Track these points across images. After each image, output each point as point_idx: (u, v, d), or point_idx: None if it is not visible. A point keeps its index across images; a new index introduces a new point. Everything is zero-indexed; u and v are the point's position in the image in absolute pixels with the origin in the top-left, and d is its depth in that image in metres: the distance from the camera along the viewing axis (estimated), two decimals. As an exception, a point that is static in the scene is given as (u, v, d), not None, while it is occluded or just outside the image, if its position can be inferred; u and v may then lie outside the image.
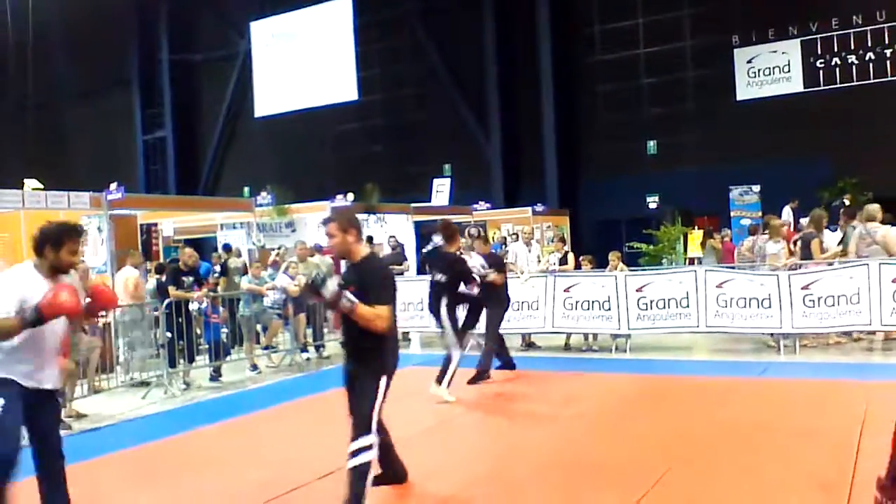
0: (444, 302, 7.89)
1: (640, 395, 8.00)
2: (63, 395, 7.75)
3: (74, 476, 6.03)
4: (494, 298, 8.87)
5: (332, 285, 4.40)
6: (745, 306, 9.95)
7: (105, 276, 10.65)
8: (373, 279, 4.64)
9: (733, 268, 11.37)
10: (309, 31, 27.41)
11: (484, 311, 8.80)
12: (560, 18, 22.77)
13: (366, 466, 4.46)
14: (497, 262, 9.26)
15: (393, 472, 5.13)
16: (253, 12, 28.28)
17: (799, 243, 11.34)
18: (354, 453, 4.46)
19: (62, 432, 7.48)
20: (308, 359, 11.40)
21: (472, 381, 8.52)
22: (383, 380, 4.62)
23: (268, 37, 28.28)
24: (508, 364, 9.29)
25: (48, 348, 4.41)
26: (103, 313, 5.24)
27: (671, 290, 10.34)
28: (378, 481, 4.86)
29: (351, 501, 4.40)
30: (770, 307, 9.77)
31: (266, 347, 11.30)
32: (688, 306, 10.22)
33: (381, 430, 4.80)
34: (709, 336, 10.91)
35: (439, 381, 7.82)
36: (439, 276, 7.99)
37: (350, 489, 4.42)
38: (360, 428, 4.51)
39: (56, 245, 4.23)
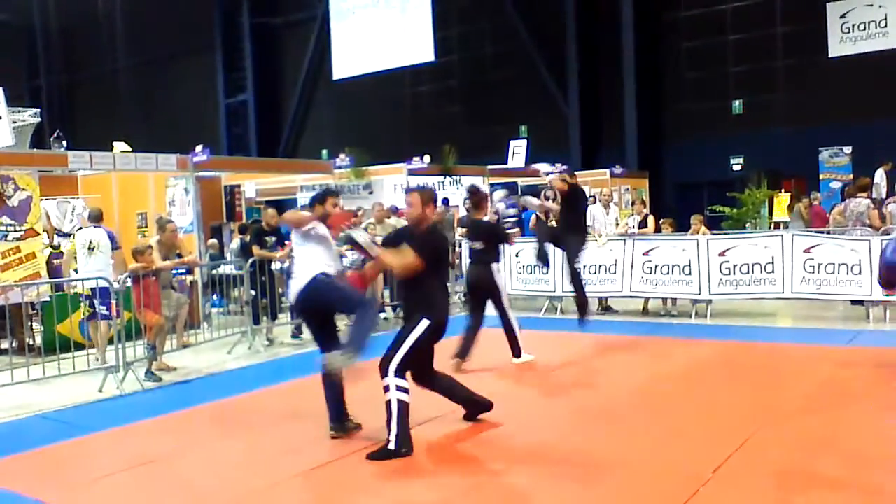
0: (494, 269, 7.80)
1: (722, 362, 7.85)
2: (154, 349, 8.11)
3: (165, 425, 6.34)
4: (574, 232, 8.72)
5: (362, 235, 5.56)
6: (833, 272, 9.62)
7: (192, 235, 10.98)
8: (424, 238, 5.39)
9: (822, 232, 10.97)
10: (386, -9, 27.33)
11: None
12: (642, -26, 22.07)
13: (398, 405, 5.06)
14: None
15: (471, 411, 5.83)
16: (331, -27, 28.34)
17: (890, 207, 10.88)
18: (385, 389, 5.13)
19: (153, 384, 7.86)
20: (385, 318, 11.56)
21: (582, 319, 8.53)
22: (424, 322, 5.22)
23: (345, -1, 28.34)
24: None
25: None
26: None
27: (756, 254, 10.06)
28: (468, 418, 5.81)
29: (388, 432, 5.03)
30: (860, 273, 9.41)
31: (345, 307, 11.49)
32: (773, 271, 9.93)
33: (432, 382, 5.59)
34: (794, 303, 10.59)
35: (517, 353, 7.87)
36: (478, 245, 7.86)
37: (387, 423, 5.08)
38: (380, 369, 5.17)
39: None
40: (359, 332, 5.22)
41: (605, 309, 11.50)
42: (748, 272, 10.08)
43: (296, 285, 5.47)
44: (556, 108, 23.68)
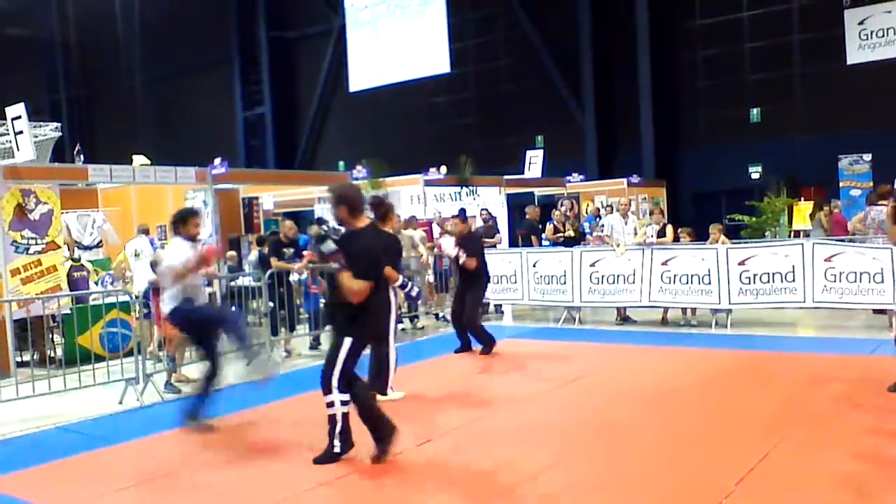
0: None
1: (743, 371, 7.77)
2: (173, 361, 8.15)
3: (184, 437, 6.34)
4: (472, 281, 9.20)
5: (329, 245, 5.18)
6: (855, 281, 9.51)
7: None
8: (356, 252, 5.14)
9: (843, 240, 10.86)
10: (401, 4, 27.46)
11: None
12: (658, -18, 22.04)
13: (342, 417, 5.19)
14: (474, 243, 9.42)
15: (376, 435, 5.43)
16: (346, -14, 28.54)
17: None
18: (329, 404, 5.23)
19: (172, 396, 7.89)
20: (403, 329, 11.55)
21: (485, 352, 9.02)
22: (347, 341, 5.14)
23: (361, 11, 28.49)
24: (466, 347, 9.32)
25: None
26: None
27: (776, 263, 9.96)
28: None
29: (330, 439, 5.23)
30: (882, 282, 9.30)
31: (362, 318, 11.49)
32: (793, 280, 9.83)
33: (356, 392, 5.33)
34: (815, 312, 10.49)
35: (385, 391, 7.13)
36: None
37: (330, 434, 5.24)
38: (323, 388, 5.22)
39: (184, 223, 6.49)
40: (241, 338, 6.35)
41: (624, 319, 11.44)
42: (768, 281, 9.99)
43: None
44: (572, 117, 23.66)
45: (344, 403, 5.25)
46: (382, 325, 5.64)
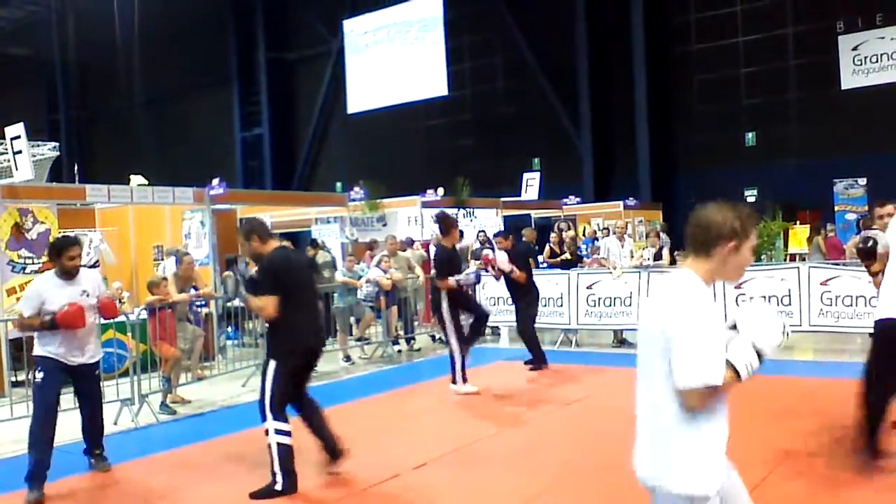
0: (444, 302, 8.15)
1: (738, 395, 7.69)
2: (169, 381, 8.12)
3: (180, 458, 6.32)
4: (524, 295, 9.54)
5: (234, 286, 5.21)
6: (851, 304, 9.53)
7: (207, 267, 11.03)
8: (260, 274, 5.36)
9: (838, 264, 10.90)
10: (399, 27, 27.66)
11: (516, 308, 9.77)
12: (654, 7, 22.24)
13: (278, 448, 5.07)
14: (521, 257, 9.63)
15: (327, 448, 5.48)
16: (345, 10, 28.75)
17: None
18: (265, 432, 5.11)
19: (167, 417, 7.87)
20: (399, 351, 11.54)
21: (533, 368, 9.24)
22: (272, 364, 5.16)
23: (359, 34, 28.69)
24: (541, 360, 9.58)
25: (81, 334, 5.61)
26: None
27: (772, 286, 9.99)
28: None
29: (272, 474, 5.05)
30: (877, 306, 9.30)
31: (359, 339, 11.50)
32: (790, 304, 9.86)
33: (304, 410, 5.39)
34: (811, 336, 10.49)
35: (454, 381, 8.13)
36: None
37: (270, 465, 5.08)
38: (260, 413, 5.16)
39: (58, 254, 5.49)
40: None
41: (621, 342, 11.42)
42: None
43: None
44: (569, 140, 23.78)
45: (280, 433, 5.07)
46: (308, 341, 5.35)
